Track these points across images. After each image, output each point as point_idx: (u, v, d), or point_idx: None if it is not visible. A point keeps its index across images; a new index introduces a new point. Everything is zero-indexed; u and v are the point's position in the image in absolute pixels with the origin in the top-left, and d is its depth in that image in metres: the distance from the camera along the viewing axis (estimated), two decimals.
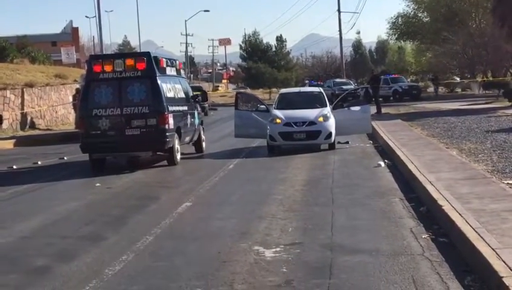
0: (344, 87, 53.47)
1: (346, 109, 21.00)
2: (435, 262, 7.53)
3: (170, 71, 19.26)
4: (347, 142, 21.07)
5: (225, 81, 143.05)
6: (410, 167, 13.56)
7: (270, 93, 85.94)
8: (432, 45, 65.31)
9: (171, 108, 17.83)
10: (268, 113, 20.70)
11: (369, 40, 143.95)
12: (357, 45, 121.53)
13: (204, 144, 21.48)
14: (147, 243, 9.11)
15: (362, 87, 26.37)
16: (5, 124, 30.70)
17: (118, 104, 17.37)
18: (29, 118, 33.14)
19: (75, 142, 26.73)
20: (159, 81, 17.60)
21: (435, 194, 10.31)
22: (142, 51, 67.79)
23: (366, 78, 76.93)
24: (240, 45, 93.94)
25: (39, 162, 20.46)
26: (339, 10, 68.73)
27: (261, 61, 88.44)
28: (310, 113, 20.00)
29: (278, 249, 8.46)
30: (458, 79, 72.36)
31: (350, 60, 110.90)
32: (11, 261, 8.65)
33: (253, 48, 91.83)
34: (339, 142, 20.53)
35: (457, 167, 13.27)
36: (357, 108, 20.97)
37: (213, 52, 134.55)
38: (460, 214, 8.73)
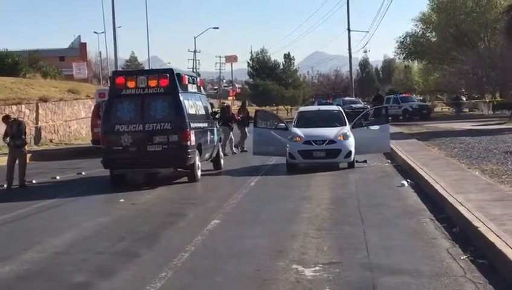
0: (353, 105, 53.42)
1: (365, 127, 21.02)
2: (479, 284, 7.51)
3: (191, 88, 19.32)
4: (365, 161, 21.06)
5: (231, 98, 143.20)
6: (436, 187, 13.55)
7: (277, 111, 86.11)
8: (440, 64, 65.45)
9: (192, 124, 17.87)
10: (287, 131, 20.73)
11: (376, 58, 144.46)
12: (364, 64, 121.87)
13: (222, 161, 21.50)
14: (183, 260, 9.10)
15: (377, 107, 26.24)
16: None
17: (140, 120, 17.42)
18: (43, 133, 33.23)
19: (90, 157, 27.01)
20: (181, 98, 17.67)
21: (468, 215, 10.29)
22: (148, 67, 67.93)
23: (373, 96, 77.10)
24: (248, 62, 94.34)
25: (57, 177, 20.53)
26: (348, 29, 68.98)
27: (269, 79, 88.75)
28: (330, 132, 20.03)
29: (317, 268, 8.45)
30: (464, 99, 72.61)
31: (357, 79, 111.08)
32: (48, 276, 8.64)
33: (261, 65, 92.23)
34: (356, 161, 20.50)
35: (484, 188, 13.26)
36: (376, 127, 20.99)
37: (220, 69, 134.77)
38: (498, 236, 8.71)
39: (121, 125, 17.42)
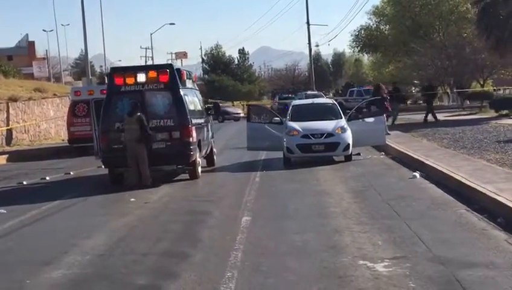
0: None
1: (360, 120, 20.90)
2: None
3: (189, 84, 18.97)
4: (358, 154, 20.92)
5: None
6: (458, 178, 13.48)
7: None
8: (395, 57, 65.97)
9: (193, 121, 17.53)
10: (282, 126, 20.49)
11: (326, 52, 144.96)
12: (316, 58, 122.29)
13: (215, 157, 21.16)
14: (239, 259, 8.81)
15: (374, 99, 25.08)
16: None
17: None
18: (14, 133, 32.39)
19: (67, 157, 26.50)
20: (182, 94, 17.31)
21: None
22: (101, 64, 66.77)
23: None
24: (203, 58, 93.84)
25: (47, 178, 19.87)
26: (307, 23, 69.09)
27: (224, 74, 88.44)
28: (327, 125, 19.86)
29: (385, 263, 8.24)
30: (414, 91, 73.52)
31: (310, 73, 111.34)
32: (108, 279, 8.30)
33: (215, 61, 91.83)
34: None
35: (508, 177, 13.22)
36: (371, 119, 20.89)
37: None
38: None
39: (121, 123, 16.97)
